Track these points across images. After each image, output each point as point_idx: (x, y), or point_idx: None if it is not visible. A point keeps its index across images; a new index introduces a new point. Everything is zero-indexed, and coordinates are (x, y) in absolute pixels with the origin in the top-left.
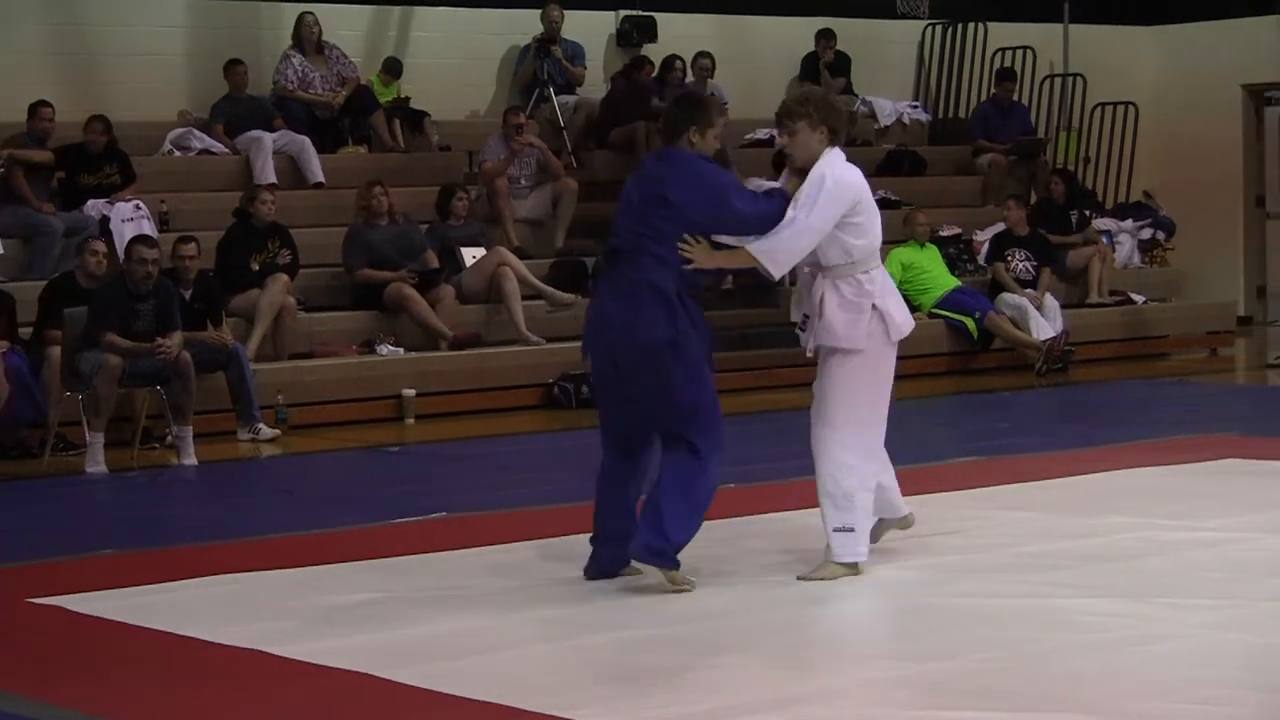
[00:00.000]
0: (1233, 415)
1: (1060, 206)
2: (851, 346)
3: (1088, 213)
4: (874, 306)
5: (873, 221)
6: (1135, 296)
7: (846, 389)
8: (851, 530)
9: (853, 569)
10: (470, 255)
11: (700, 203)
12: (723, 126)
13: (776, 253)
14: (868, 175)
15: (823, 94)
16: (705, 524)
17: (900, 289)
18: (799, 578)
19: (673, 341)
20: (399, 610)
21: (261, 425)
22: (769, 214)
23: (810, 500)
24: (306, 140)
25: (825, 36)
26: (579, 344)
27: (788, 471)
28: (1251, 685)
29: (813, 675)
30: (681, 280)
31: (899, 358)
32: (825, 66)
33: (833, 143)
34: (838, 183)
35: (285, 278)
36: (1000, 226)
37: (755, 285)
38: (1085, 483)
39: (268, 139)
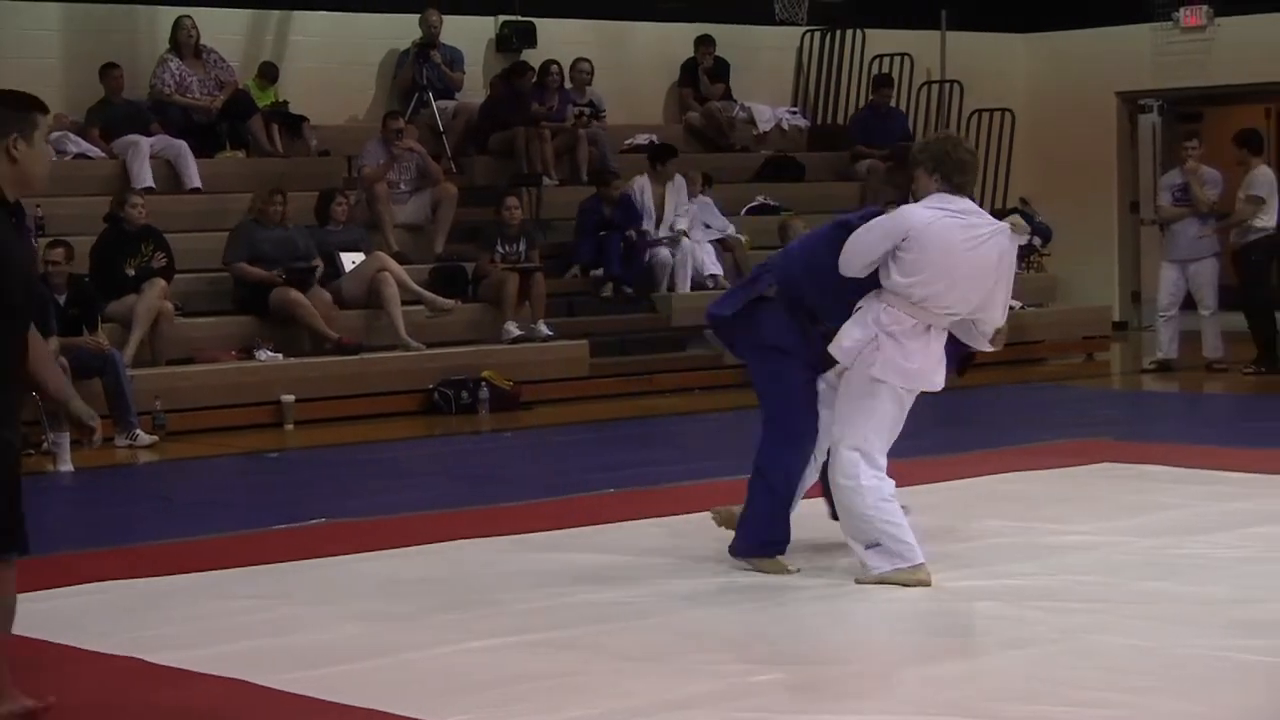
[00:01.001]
0: (1108, 420)
1: None
2: (840, 356)
3: None
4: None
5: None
6: (1012, 302)
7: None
8: (878, 544)
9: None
10: (350, 260)
11: None
12: None
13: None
14: (746, 181)
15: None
16: (585, 531)
17: None
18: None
19: None
20: (277, 617)
21: (139, 431)
22: None
23: (686, 505)
24: (184, 145)
25: (704, 43)
26: (459, 349)
27: (669, 476)
28: (1122, 688)
29: (690, 680)
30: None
31: None
32: (704, 72)
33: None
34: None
35: (162, 282)
36: None
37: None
38: (962, 487)
39: (145, 143)
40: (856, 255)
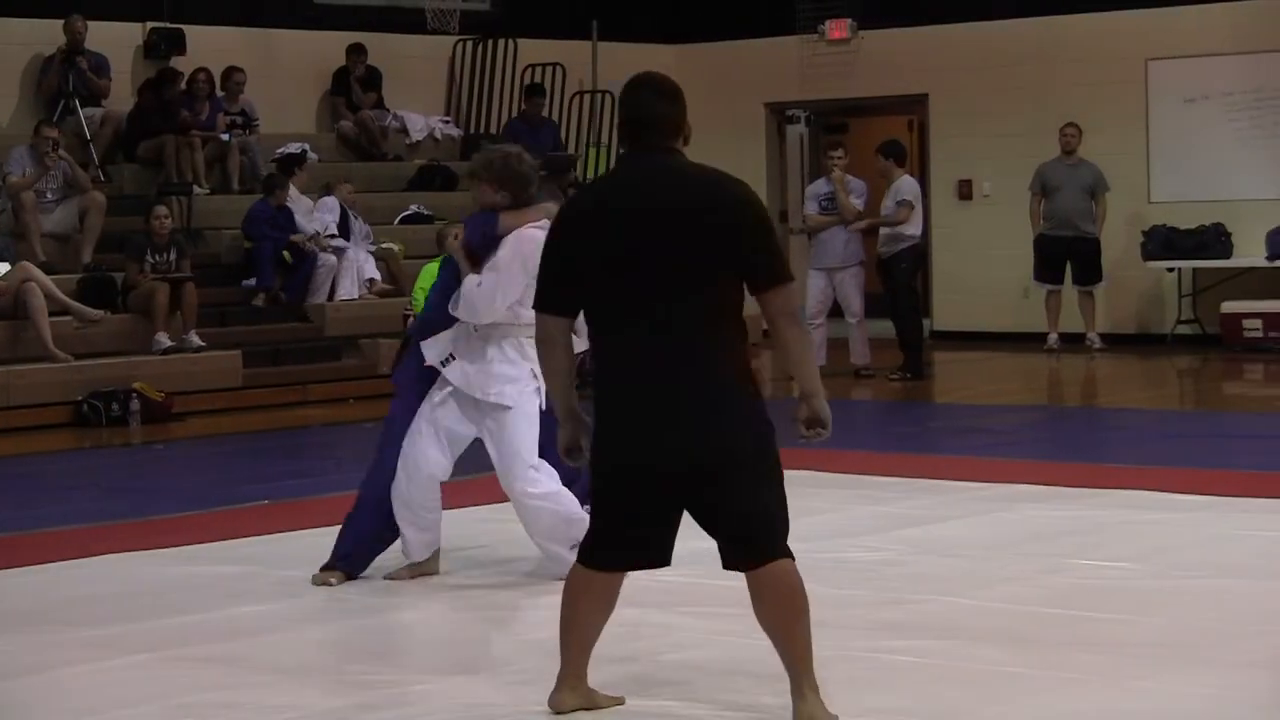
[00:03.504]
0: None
1: None
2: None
3: None
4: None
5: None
6: None
7: None
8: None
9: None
10: None
11: None
12: None
13: None
14: (399, 190)
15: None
16: (236, 543)
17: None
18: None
19: None
20: None
21: None
22: None
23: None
24: None
25: (356, 52)
26: (108, 360)
27: (323, 487)
28: (773, 691)
29: (343, 691)
30: None
31: None
32: (356, 81)
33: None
34: None
35: None
36: None
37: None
38: None
39: None
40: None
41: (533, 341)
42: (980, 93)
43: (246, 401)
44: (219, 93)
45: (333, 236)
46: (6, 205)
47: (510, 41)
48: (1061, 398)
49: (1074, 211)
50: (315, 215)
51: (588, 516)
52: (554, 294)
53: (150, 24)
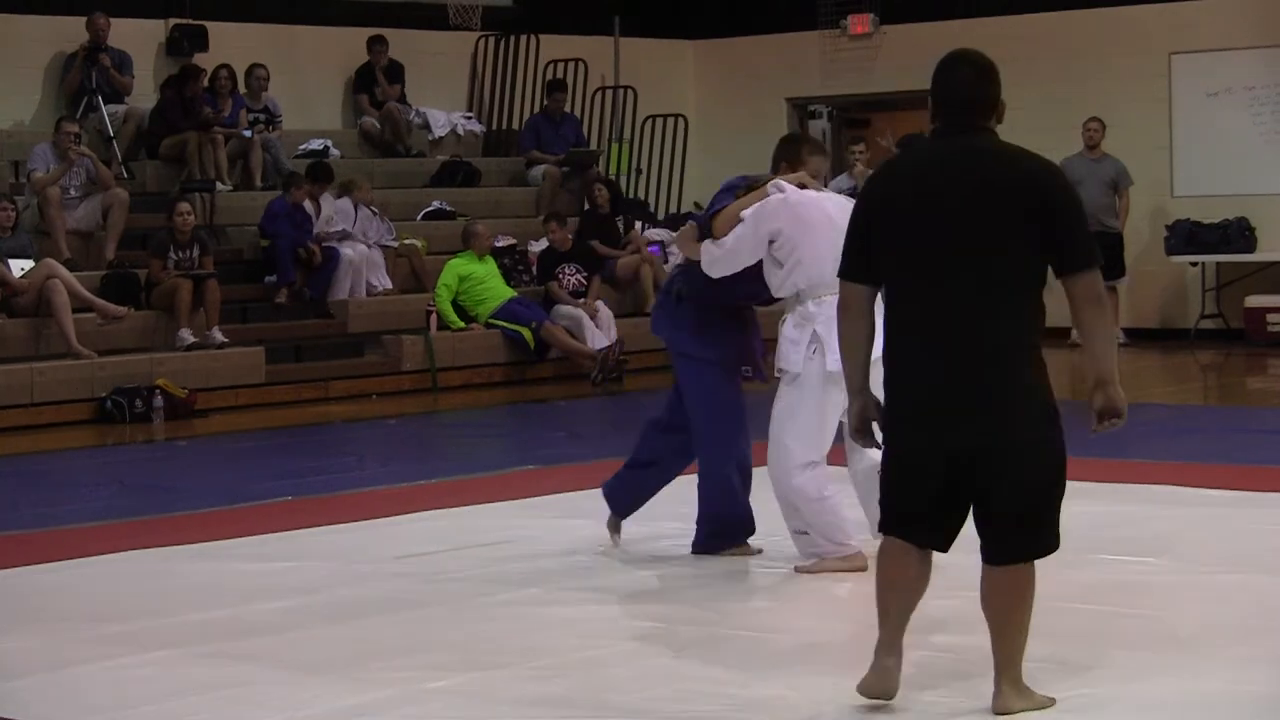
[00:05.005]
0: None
1: (606, 215)
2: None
3: (639, 223)
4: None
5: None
6: None
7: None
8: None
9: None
10: (19, 267)
11: None
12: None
13: None
14: (422, 187)
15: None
16: (259, 539)
17: (457, 301)
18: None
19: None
20: None
21: None
22: None
23: (361, 512)
24: None
25: (378, 43)
26: (131, 357)
27: (345, 483)
28: (808, 682)
29: (365, 687)
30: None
31: (455, 368)
32: (381, 71)
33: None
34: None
35: None
36: (547, 244)
37: None
38: None
39: None
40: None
41: None
42: (1003, 87)
43: (269, 398)
44: (241, 89)
45: (343, 237)
46: (31, 201)
47: (532, 37)
48: (1084, 393)
49: (1097, 206)
50: (333, 218)
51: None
52: (858, 262)
53: (173, 21)
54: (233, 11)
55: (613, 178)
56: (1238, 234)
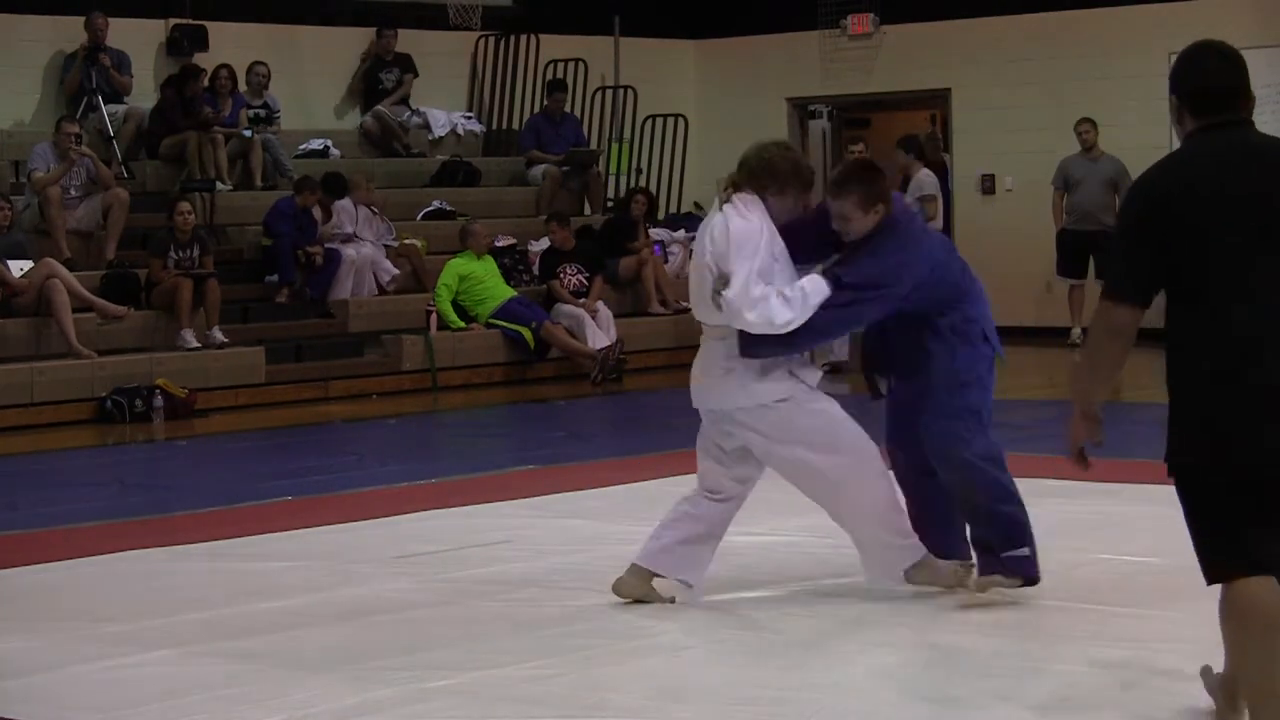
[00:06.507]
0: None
1: (635, 221)
2: None
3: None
4: None
5: None
6: (687, 305)
7: None
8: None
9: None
10: (18, 267)
11: None
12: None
13: None
14: (422, 186)
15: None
16: (258, 539)
17: (457, 300)
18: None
19: None
20: None
21: None
22: None
23: (361, 511)
24: None
25: (380, 37)
26: (131, 357)
27: (345, 483)
28: (798, 684)
29: (364, 686)
30: None
31: (455, 368)
32: (382, 67)
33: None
34: None
35: None
36: (548, 243)
37: None
38: (637, 490)
39: None
40: None
41: None
42: (1003, 87)
43: (269, 397)
44: (242, 87)
45: (347, 239)
46: (31, 201)
47: (532, 37)
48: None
49: (1096, 206)
50: (341, 225)
51: None
52: (1138, 285)
53: (172, 20)
54: (233, 11)
55: (652, 190)
56: None
